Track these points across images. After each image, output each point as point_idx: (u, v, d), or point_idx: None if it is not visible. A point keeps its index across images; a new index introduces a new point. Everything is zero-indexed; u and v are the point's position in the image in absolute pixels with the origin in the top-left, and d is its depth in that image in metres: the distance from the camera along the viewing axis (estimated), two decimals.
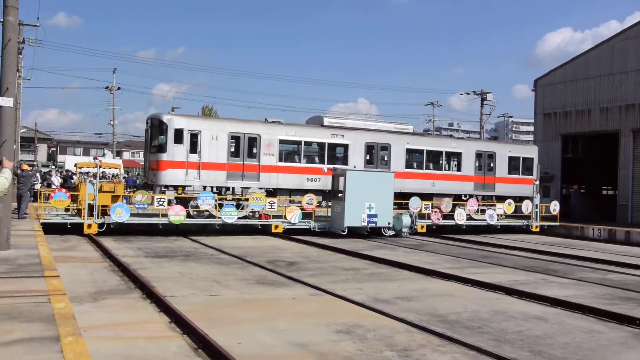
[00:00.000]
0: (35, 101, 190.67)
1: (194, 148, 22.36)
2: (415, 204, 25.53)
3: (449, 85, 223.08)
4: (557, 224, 29.06)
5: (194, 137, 22.44)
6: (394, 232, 24.18)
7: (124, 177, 40.62)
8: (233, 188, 23.62)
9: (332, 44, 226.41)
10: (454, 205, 26.95)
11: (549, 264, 17.78)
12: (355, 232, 23.42)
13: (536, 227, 28.79)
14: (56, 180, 33.41)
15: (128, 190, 27.16)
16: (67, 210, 22.91)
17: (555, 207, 29.01)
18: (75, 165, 41.35)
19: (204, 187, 22.66)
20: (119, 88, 58.96)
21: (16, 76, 15.54)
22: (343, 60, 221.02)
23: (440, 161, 28.12)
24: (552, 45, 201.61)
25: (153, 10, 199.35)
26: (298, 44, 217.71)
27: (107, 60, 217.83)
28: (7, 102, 12.86)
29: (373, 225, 23.54)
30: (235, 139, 23.34)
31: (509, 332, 9.05)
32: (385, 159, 26.61)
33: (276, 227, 22.88)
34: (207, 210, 22.24)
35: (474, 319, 9.80)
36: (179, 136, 22.17)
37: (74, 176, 34.74)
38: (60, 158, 72.37)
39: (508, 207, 28.00)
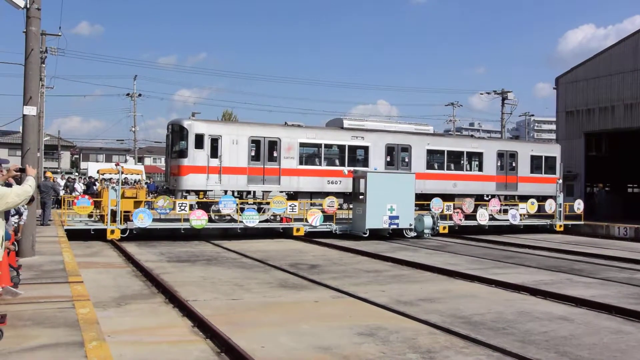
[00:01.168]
0: (59, 109, 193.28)
1: (214, 153, 22.47)
2: (436, 204, 25.38)
3: (470, 85, 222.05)
4: (582, 222, 28.68)
5: (215, 141, 22.54)
6: (415, 234, 24.06)
7: (146, 183, 40.98)
8: (254, 192, 23.68)
9: (352, 46, 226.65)
10: (476, 206, 26.73)
11: (573, 263, 17.54)
12: (376, 234, 23.34)
13: (560, 226, 28.45)
14: (79, 187, 33.82)
15: (150, 195, 27.37)
16: (90, 216, 23.15)
17: (579, 205, 28.65)
18: (98, 172, 41.82)
19: (225, 192, 22.78)
20: (139, 95, 59.59)
21: (39, 85, 15.76)
22: (363, 62, 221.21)
23: (462, 161, 27.92)
24: (574, 42, 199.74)
25: (174, 16, 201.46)
26: (318, 47, 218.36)
27: (129, 68, 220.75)
28: (30, 110, 13.06)
29: (395, 226, 23.44)
30: (256, 143, 23.40)
31: (534, 333, 8.93)
32: (406, 160, 26.49)
33: (297, 230, 22.89)
34: (229, 215, 22.32)
35: (498, 320, 9.69)
36: (199, 141, 22.29)
37: (96, 182, 35.12)
38: (83, 165, 73.26)
39: (531, 206, 27.71)
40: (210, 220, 21.80)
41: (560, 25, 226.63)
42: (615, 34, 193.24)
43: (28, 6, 13.05)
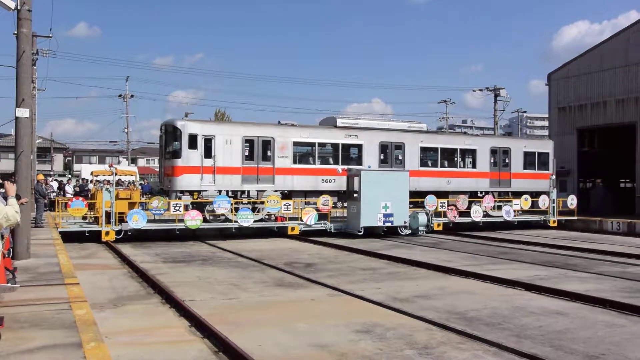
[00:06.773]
0: (51, 111, 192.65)
1: (208, 153, 22.45)
2: (431, 202, 25.44)
3: (465, 83, 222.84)
4: (575, 218, 28.83)
5: (208, 142, 22.53)
6: (410, 231, 24.12)
7: (140, 184, 40.87)
8: (248, 191, 23.68)
9: (347, 46, 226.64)
10: (470, 202, 26.83)
11: (567, 258, 17.65)
12: (371, 232, 23.39)
13: (554, 221, 28.58)
14: (69, 189, 33.73)
15: (144, 196, 27.32)
16: (84, 218, 23.10)
17: (572, 201, 28.77)
18: (92, 174, 41.67)
19: (220, 192, 22.76)
20: (132, 96, 59.38)
21: (31, 87, 15.71)
22: (357, 61, 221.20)
23: (455, 158, 28.01)
24: (568, 38, 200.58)
25: (172, 18, 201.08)
26: (313, 48, 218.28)
27: (124, 69, 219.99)
28: (23, 113, 13.02)
29: (389, 224, 23.49)
30: (249, 142, 23.40)
31: (529, 327, 8.99)
32: (400, 158, 26.54)
33: (292, 229, 22.91)
34: (223, 214, 22.31)
35: (493, 316, 9.75)
36: (193, 141, 22.27)
37: (89, 184, 35.01)
38: (76, 167, 72.99)
39: (525, 202, 27.84)
40: (204, 220, 21.80)
41: (555, 22, 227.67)
42: (611, 29, 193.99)
43: (19, 8, 12.99)
